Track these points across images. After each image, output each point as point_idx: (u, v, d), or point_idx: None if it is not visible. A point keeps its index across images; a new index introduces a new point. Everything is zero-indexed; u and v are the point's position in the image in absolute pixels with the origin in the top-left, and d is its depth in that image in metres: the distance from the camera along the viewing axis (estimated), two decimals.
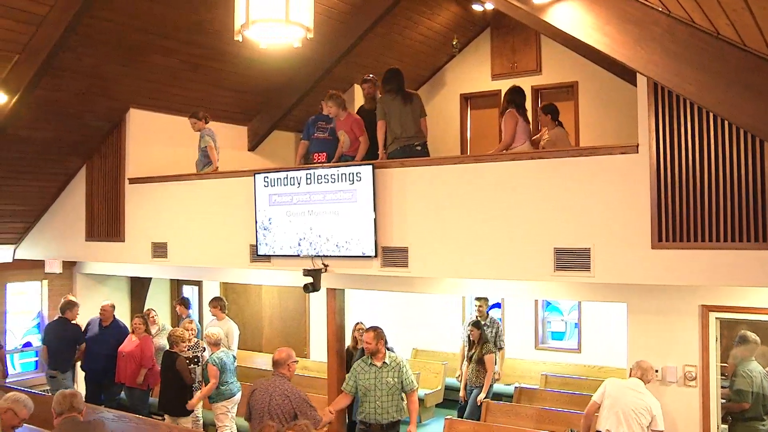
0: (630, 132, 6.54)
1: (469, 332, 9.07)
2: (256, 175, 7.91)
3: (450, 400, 10.69)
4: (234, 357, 8.73)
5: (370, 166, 7.10)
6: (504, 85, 10.99)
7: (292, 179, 7.63)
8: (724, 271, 5.45)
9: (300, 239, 7.61)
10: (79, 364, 9.89)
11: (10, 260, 10.62)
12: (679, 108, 5.61)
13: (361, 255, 7.19)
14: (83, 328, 9.72)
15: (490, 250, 6.54)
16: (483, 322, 9.31)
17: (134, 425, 7.44)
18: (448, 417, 8.06)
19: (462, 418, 8.62)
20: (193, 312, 11.71)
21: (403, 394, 6.87)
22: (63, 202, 10.29)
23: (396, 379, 6.78)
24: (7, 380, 9.80)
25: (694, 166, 5.54)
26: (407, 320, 12.09)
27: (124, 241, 9.48)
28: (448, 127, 11.63)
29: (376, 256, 7.12)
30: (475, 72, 11.72)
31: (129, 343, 9.28)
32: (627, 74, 8.52)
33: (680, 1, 4.64)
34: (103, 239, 9.77)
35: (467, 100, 11.90)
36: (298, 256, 7.63)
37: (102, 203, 9.78)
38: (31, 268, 10.83)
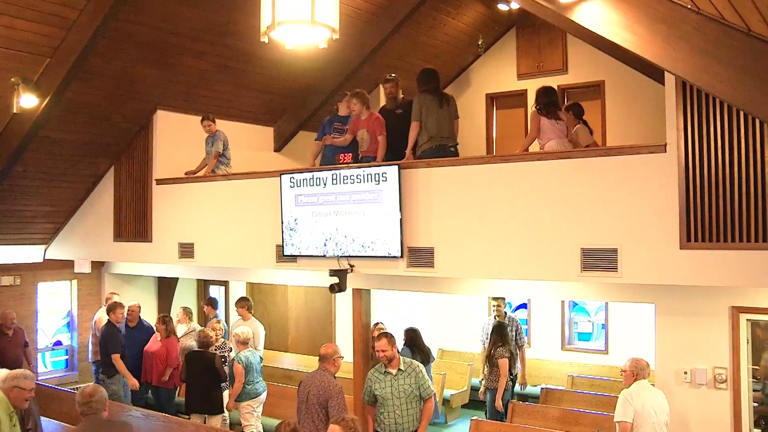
0: (657, 131, 6.48)
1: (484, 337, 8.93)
2: (283, 176, 7.95)
3: (475, 400, 10.65)
4: (260, 357, 8.78)
5: (396, 167, 7.10)
6: (530, 85, 11.01)
7: (318, 180, 7.65)
8: (754, 272, 5.37)
9: (326, 239, 7.63)
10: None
11: (41, 260, 10.79)
12: (708, 106, 5.54)
13: (387, 255, 7.19)
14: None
15: (516, 250, 6.51)
16: (505, 321, 9.27)
17: (161, 423, 7.51)
18: (474, 418, 8.02)
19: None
20: (220, 312, 11.78)
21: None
22: (92, 203, 10.43)
23: (413, 386, 6.39)
24: (38, 378, 9.91)
25: (723, 165, 5.47)
26: (433, 321, 12.05)
27: (151, 241, 9.58)
28: (474, 127, 11.58)
29: (402, 256, 7.11)
30: (500, 72, 11.66)
31: (155, 343, 9.36)
32: (654, 73, 8.43)
33: None
34: (130, 239, 9.89)
35: (493, 100, 11.85)
36: (324, 256, 7.65)
37: (129, 204, 9.90)
38: (61, 268, 10.99)
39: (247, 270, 9.54)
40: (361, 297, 8.16)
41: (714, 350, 6.30)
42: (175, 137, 9.59)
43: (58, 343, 11.21)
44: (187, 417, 8.62)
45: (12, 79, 7.73)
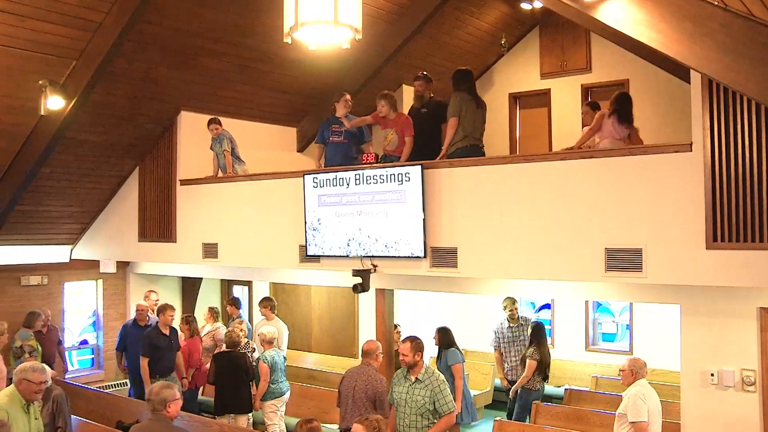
0: (683, 130, 6.40)
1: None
2: (306, 176, 7.97)
3: (498, 401, 10.60)
4: (284, 357, 8.81)
5: (419, 167, 7.09)
6: (553, 84, 10.95)
7: (340, 180, 7.67)
8: None
9: (349, 240, 7.64)
10: (124, 363, 9.77)
11: (67, 260, 10.92)
12: (734, 105, 5.46)
13: (410, 255, 7.18)
14: (125, 329, 9.81)
15: (540, 250, 6.48)
16: (518, 323, 9.21)
17: (185, 423, 7.56)
18: (498, 418, 8.00)
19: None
20: (243, 312, 11.84)
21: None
22: (117, 204, 10.53)
23: (427, 399, 6.02)
24: (66, 376, 10.05)
25: (750, 163, 5.39)
26: (456, 321, 11.96)
27: (175, 241, 9.65)
28: (497, 127, 11.51)
29: (425, 256, 7.11)
30: (523, 71, 11.61)
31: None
32: (680, 71, 8.34)
33: None
34: (155, 240, 9.97)
35: (516, 99, 11.80)
36: (347, 256, 7.66)
37: (154, 204, 9.98)
38: (87, 267, 11.12)
39: (271, 270, 9.57)
40: (385, 297, 8.16)
41: (742, 352, 6.20)
42: (199, 138, 9.64)
43: (84, 342, 11.33)
44: (212, 417, 8.67)
45: (39, 82, 7.83)
